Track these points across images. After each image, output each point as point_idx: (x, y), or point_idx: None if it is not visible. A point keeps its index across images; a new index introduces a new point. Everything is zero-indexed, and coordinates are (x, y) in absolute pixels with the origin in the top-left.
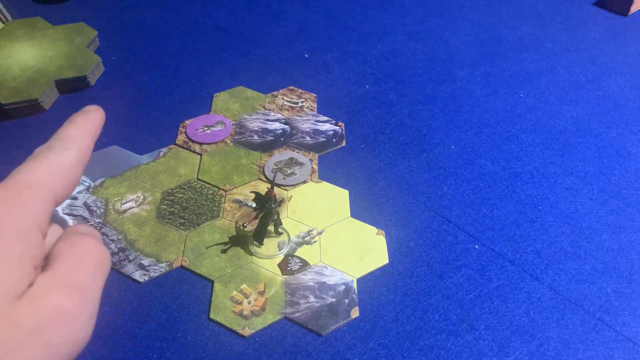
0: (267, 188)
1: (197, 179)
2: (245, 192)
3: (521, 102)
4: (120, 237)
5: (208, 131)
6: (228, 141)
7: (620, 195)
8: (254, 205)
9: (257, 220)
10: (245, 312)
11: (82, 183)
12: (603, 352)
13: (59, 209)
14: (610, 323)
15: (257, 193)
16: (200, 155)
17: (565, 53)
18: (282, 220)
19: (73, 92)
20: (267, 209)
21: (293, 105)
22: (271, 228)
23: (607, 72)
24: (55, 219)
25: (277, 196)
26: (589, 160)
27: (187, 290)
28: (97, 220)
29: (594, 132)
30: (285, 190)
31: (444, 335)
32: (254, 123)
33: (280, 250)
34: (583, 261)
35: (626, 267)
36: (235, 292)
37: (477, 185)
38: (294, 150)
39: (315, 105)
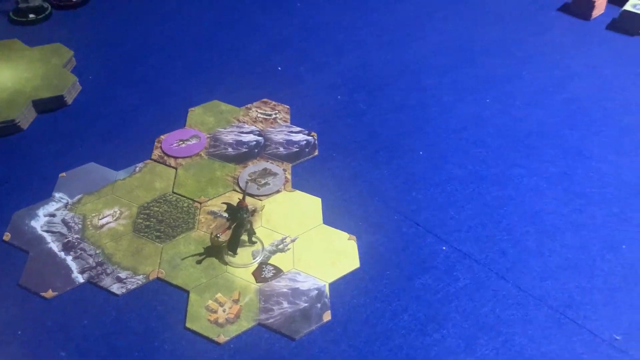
0: (239, 199)
1: (173, 192)
2: (220, 204)
3: (488, 107)
4: (97, 252)
5: (183, 145)
6: (203, 154)
7: (584, 194)
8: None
9: (231, 231)
10: (220, 320)
11: (60, 200)
12: (565, 345)
13: (38, 227)
14: (572, 317)
15: (228, 204)
16: (176, 169)
17: (531, 58)
18: (255, 230)
19: (50, 112)
20: (239, 219)
21: (267, 117)
22: (245, 237)
23: (571, 75)
24: (33, 236)
25: (248, 206)
26: (553, 161)
27: (163, 301)
28: (75, 236)
29: (558, 134)
30: (259, 200)
31: (413, 335)
32: (229, 136)
33: (254, 258)
34: (547, 259)
35: (587, 263)
36: (210, 301)
37: (445, 189)
38: (267, 161)
39: (288, 117)
